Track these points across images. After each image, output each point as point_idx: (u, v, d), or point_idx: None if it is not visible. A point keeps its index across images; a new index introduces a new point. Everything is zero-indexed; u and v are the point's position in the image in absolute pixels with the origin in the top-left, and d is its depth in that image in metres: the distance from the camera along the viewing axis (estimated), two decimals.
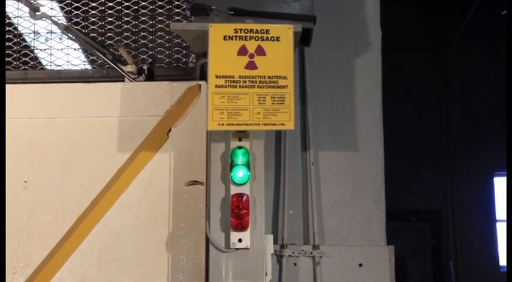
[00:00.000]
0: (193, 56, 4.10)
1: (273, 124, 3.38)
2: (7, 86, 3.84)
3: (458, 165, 10.34)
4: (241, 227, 3.42)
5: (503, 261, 9.88)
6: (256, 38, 3.40)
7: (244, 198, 3.43)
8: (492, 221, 10.07)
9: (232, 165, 3.46)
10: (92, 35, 4.21)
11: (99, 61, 4.22)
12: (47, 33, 4.31)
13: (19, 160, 3.95)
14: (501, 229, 9.89)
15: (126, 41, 4.19)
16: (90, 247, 3.82)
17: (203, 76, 3.90)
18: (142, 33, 4.22)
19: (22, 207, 3.90)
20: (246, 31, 3.39)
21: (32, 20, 4.24)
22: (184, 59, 4.18)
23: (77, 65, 4.29)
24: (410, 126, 10.15)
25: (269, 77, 3.39)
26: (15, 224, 3.88)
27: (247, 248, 3.43)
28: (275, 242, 3.72)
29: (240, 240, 3.43)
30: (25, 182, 3.88)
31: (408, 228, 9.96)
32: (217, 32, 3.40)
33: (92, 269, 3.83)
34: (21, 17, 4.32)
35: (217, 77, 3.37)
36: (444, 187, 10.38)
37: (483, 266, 9.75)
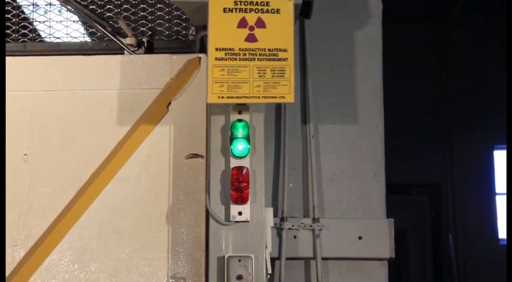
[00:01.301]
0: (193, 28, 4.08)
1: (273, 97, 3.37)
2: (6, 58, 3.83)
3: (458, 138, 10.34)
4: (241, 200, 3.42)
5: (502, 234, 9.90)
6: (256, 10, 3.38)
7: (244, 171, 3.43)
8: (492, 194, 10.09)
9: (232, 138, 3.45)
10: (91, 7, 4.19)
11: (99, 33, 4.20)
12: (46, 5, 4.29)
13: (19, 133, 3.95)
14: (501, 202, 9.91)
15: (125, 13, 4.17)
16: (90, 220, 3.83)
17: (203, 49, 3.88)
18: (142, 6, 4.20)
19: (22, 180, 3.90)
20: (246, 3, 3.37)
21: None
22: (184, 32, 4.16)
23: (76, 38, 4.27)
24: (410, 99, 10.14)
25: (269, 50, 3.37)
26: (15, 196, 3.89)
27: (247, 221, 3.44)
28: (275, 215, 3.72)
29: (240, 213, 3.43)
30: (25, 154, 3.88)
31: (408, 201, 9.99)
32: (217, 4, 3.38)
33: (92, 242, 3.84)
34: None
35: (217, 49, 3.35)
36: (444, 160, 10.39)
37: (482, 239, 9.79)
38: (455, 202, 10.18)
